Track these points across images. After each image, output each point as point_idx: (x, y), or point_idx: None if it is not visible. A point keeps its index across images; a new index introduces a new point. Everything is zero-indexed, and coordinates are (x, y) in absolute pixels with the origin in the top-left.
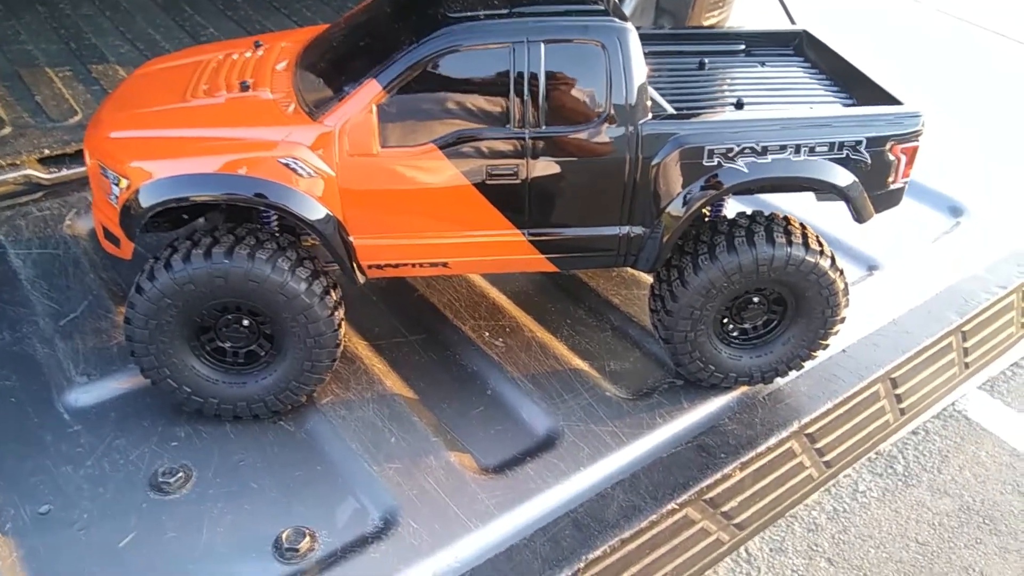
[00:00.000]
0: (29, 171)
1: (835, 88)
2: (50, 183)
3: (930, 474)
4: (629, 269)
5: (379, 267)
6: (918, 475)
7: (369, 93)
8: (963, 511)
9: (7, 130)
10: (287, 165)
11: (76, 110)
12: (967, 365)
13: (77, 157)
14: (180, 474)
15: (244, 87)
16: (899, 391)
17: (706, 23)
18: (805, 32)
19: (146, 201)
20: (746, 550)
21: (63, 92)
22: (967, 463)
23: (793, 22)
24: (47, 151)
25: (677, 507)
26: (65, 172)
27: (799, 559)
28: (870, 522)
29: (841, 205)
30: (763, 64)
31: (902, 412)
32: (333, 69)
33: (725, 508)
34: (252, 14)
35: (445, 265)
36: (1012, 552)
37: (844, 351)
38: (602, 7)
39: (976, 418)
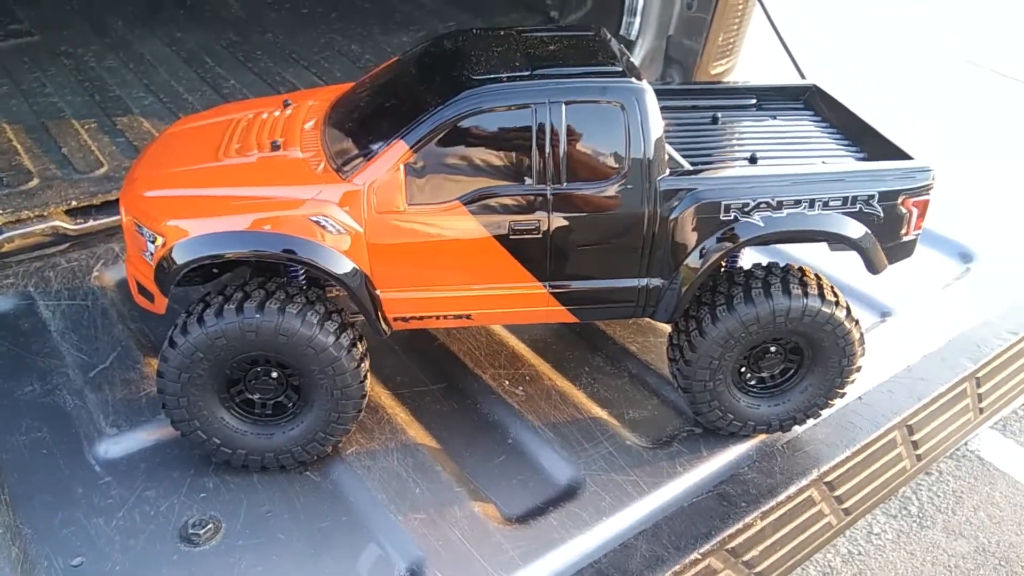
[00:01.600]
0: (56, 222)
1: (846, 142)
2: (77, 234)
3: (945, 515)
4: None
5: (404, 319)
6: (932, 516)
7: (396, 153)
8: (979, 553)
9: (34, 182)
10: (317, 222)
11: (102, 162)
12: (981, 411)
13: (104, 208)
14: (210, 525)
15: (275, 146)
16: (915, 437)
17: (713, 72)
18: (815, 87)
19: (181, 258)
20: None
21: (89, 144)
22: (981, 504)
23: (803, 76)
24: (74, 202)
25: (700, 557)
26: (92, 223)
27: None
28: (885, 565)
29: (853, 253)
30: (774, 118)
31: (918, 458)
32: (360, 129)
33: (746, 557)
34: (272, 66)
35: (468, 317)
36: None
37: (860, 398)
38: (619, 68)
39: (989, 458)
